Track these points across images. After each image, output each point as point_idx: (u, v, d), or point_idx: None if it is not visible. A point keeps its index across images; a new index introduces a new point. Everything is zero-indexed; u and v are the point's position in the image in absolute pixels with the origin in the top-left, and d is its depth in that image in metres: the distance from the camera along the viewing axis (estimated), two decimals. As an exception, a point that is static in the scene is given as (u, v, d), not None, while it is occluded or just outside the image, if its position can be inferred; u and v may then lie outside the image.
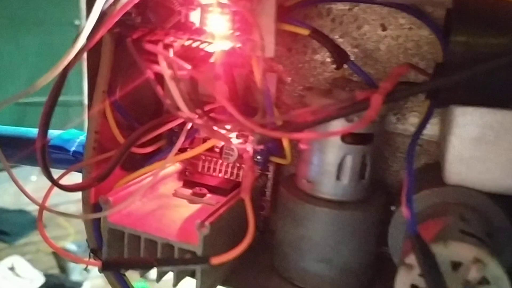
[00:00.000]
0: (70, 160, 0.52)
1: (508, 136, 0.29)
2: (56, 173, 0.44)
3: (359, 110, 0.28)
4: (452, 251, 0.26)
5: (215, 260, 0.27)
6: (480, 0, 0.27)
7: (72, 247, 2.29)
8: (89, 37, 0.25)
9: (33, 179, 2.58)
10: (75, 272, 2.19)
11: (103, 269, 0.29)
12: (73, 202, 2.62)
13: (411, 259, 0.26)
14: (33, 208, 2.59)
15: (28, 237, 2.45)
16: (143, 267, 0.29)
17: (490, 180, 0.30)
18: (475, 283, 0.25)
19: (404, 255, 0.27)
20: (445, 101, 0.31)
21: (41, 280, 2.13)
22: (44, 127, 0.26)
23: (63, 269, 2.25)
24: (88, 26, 0.24)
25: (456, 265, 0.26)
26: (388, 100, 0.28)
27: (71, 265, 2.19)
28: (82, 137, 0.52)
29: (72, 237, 2.45)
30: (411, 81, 0.35)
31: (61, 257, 2.27)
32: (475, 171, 0.30)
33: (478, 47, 0.28)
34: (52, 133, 0.54)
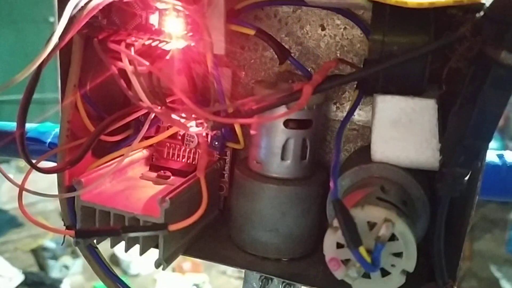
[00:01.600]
0: (46, 151, 0.56)
1: (419, 120, 0.35)
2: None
3: (294, 99, 0.33)
4: (367, 213, 0.31)
5: (172, 227, 0.32)
6: (393, 5, 0.32)
7: (50, 244, 2.29)
8: (61, 37, 0.29)
9: (9, 177, 2.57)
10: (55, 270, 2.20)
11: (76, 236, 0.33)
12: (50, 200, 2.62)
13: (336, 222, 0.31)
14: (10, 207, 2.58)
15: (5, 236, 2.45)
16: (111, 234, 0.34)
17: (406, 157, 0.36)
18: (386, 240, 0.31)
19: (331, 219, 0.33)
20: (369, 90, 0.36)
21: (20, 278, 2.13)
22: (22, 117, 0.30)
23: (42, 266, 2.26)
24: (59, 27, 0.29)
25: (371, 225, 0.31)
26: (317, 90, 0.33)
27: (50, 262, 2.20)
28: (57, 130, 0.56)
29: (51, 235, 2.45)
30: (342, 73, 0.41)
31: (40, 255, 2.28)
32: (394, 149, 0.36)
33: (392, 44, 0.33)
34: (29, 126, 0.58)
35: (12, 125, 0.59)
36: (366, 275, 0.32)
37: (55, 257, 2.25)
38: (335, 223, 0.31)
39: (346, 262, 0.32)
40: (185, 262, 2.26)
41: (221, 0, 0.36)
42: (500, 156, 0.44)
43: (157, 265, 0.36)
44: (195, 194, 0.38)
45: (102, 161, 0.40)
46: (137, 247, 0.37)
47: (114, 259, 2.29)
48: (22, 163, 2.55)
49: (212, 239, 0.42)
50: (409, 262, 0.31)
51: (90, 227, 0.36)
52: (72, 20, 0.30)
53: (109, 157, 0.41)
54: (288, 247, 0.40)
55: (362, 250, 0.29)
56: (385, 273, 0.32)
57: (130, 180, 0.41)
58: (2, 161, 2.51)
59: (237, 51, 0.44)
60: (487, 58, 0.26)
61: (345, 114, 0.43)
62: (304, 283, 0.38)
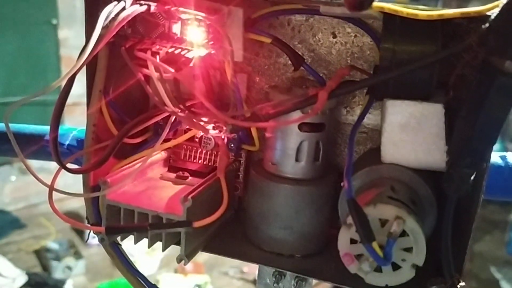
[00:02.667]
0: (65, 153, 0.58)
1: (427, 123, 0.37)
2: (52, 165, 0.50)
3: (310, 104, 0.35)
4: (380, 211, 0.33)
5: (197, 224, 0.34)
6: (403, 17, 0.35)
7: (53, 245, 2.31)
8: (95, 46, 0.31)
9: (12, 179, 2.59)
10: (58, 271, 2.22)
11: (106, 233, 0.35)
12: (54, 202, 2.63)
13: (350, 219, 0.33)
14: (12, 209, 2.60)
15: (8, 237, 2.46)
16: (139, 230, 0.36)
17: (415, 158, 0.38)
18: (397, 235, 0.33)
19: (345, 217, 0.35)
20: (380, 95, 0.38)
21: (24, 278, 2.15)
22: (56, 122, 0.32)
23: (45, 267, 2.27)
24: (93, 37, 0.31)
25: (383, 222, 0.33)
26: (332, 96, 0.35)
27: (53, 263, 2.22)
28: (75, 132, 0.59)
29: (54, 236, 2.47)
30: (355, 79, 0.43)
31: (43, 256, 2.29)
32: (403, 151, 0.38)
33: (402, 53, 0.35)
34: (46, 128, 0.60)
35: (30, 128, 0.61)
36: (378, 269, 0.34)
37: (58, 258, 2.26)
38: (349, 220, 0.34)
39: (359, 257, 0.34)
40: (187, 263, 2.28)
41: (240, 11, 0.38)
42: (503, 158, 0.46)
43: (179, 260, 0.38)
44: (214, 193, 0.40)
45: (125, 162, 0.42)
46: (158, 244, 0.40)
47: (117, 260, 2.30)
48: (25, 164, 2.57)
49: (228, 236, 0.44)
50: (419, 257, 0.33)
51: (118, 224, 0.38)
52: (104, 29, 0.32)
53: (129, 159, 0.43)
54: (302, 244, 0.42)
55: (375, 245, 0.32)
56: (396, 267, 0.34)
57: (150, 181, 0.43)
58: (5, 162, 2.53)
59: (252, 57, 0.46)
60: (492, 67, 0.29)
61: (355, 117, 0.45)
62: (317, 278, 0.40)
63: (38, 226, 2.50)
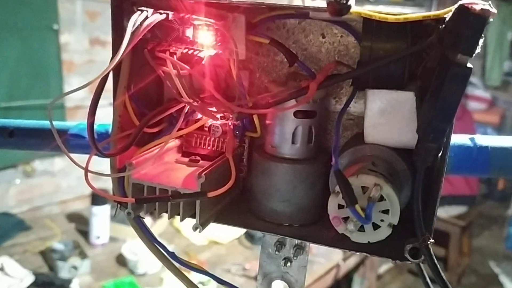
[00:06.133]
0: (86, 145, 0.65)
1: (401, 108, 0.44)
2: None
3: (302, 94, 0.42)
4: (361, 180, 0.40)
5: (211, 194, 0.41)
6: (378, 20, 0.41)
7: (59, 246, 2.36)
8: (125, 49, 0.38)
9: (17, 182, 2.64)
10: (64, 270, 2.27)
11: (137, 202, 0.42)
12: (56, 204, 2.69)
13: (337, 188, 0.40)
14: (18, 211, 2.65)
15: (14, 239, 2.51)
16: (162, 200, 0.43)
17: (392, 138, 0.45)
18: (376, 199, 0.40)
19: (334, 187, 0.42)
20: (362, 86, 0.45)
21: (31, 278, 2.20)
22: (94, 107, 0.39)
23: (51, 267, 2.33)
24: (124, 42, 0.38)
25: (364, 190, 0.40)
26: (320, 87, 0.42)
27: (59, 263, 2.27)
28: (95, 127, 0.65)
29: (59, 237, 2.52)
30: (340, 73, 0.50)
31: (48, 257, 2.35)
32: (382, 133, 0.45)
33: (378, 49, 0.42)
34: (69, 124, 0.67)
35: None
36: (361, 229, 0.41)
37: (63, 258, 2.31)
38: (337, 188, 0.41)
39: (345, 220, 0.41)
40: (191, 261, 2.34)
41: (242, 17, 0.45)
42: (472, 139, 0.53)
43: (195, 228, 0.45)
44: (223, 172, 0.47)
45: (143, 149, 0.49)
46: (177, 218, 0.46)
47: (122, 259, 2.36)
48: (29, 168, 2.62)
49: (235, 211, 0.51)
50: (394, 217, 0.40)
51: (145, 196, 0.45)
52: (132, 35, 0.39)
53: (149, 145, 0.50)
54: (298, 215, 0.49)
55: (357, 207, 0.39)
56: (376, 227, 0.41)
57: (167, 164, 0.50)
58: (9, 166, 2.59)
59: (252, 56, 0.53)
60: (447, 60, 0.36)
61: (342, 106, 0.52)
62: (313, 242, 0.47)
63: (43, 228, 2.55)
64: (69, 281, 2.24)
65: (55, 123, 0.70)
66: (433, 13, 0.37)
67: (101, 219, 2.40)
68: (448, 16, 0.36)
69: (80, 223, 2.60)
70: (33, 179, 2.73)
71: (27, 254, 2.42)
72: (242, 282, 2.31)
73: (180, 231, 2.29)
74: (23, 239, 2.52)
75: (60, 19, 2.66)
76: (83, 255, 2.34)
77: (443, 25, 0.37)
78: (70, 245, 2.40)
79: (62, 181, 2.81)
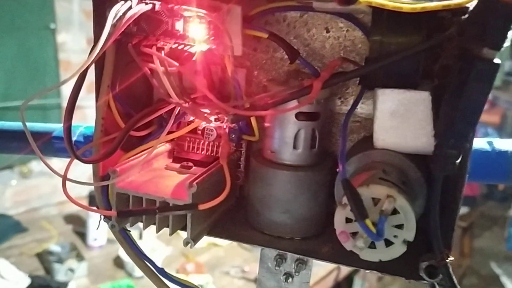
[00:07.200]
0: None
1: (415, 110, 0.39)
2: (61, 161, 0.52)
3: (305, 93, 0.38)
4: (372, 191, 0.36)
5: (202, 206, 0.36)
6: (390, 10, 0.37)
7: (56, 248, 2.33)
8: (105, 43, 0.33)
9: (13, 183, 2.61)
10: (60, 273, 2.23)
11: (118, 216, 0.38)
12: (53, 205, 2.65)
13: (345, 199, 0.36)
14: (14, 213, 2.61)
15: (10, 241, 2.48)
16: (149, 213, 0.38)
17: (405, 143, 0.40)
18: (389, 213, 0.35)
19: (340, 198, 0.37)
20: (371, 85, 0.41)
21: (27, 281, 2.16)
22: (70, 112, 0.35)
23: (48, 270, 2.29)
24: (103, 35, 0.33)
25: (375, 202, 0.36)
26: (325, 86, 0.38)
27: (56, 266, 2.23)
28: (82, 129, 0.61)
29: (55, 239, 2.48)
30: (347, 71, 0.45)
31: (45, 259, 2.31)
32: (393, 137, 0.40)
33: (389, 44, 0.38)
34: (55, 126, 0.63)
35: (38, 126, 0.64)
36: (372, 246, 0.36)
37: (60, 261, 2.28)
38: (344, 200, 0.36)
39: (353, 235, 0.37)
40: (189, 263, 2.30)
41: (238, 8, 0.40)
42: (490, 143, 0.48)
43: (185, 243, 0.40)
44: (217, 180, 0.42)
45: (132, 153, 0.45)
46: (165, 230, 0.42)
47: (119, 261, 2.33)
48: (25, 169, 2.58)
49: (231, 222, 0.47)
50: (409, 233, 0.36)
51: (129, 208, 0.40)
52: (113, 27, 0.34)
53: (136, 151, 0.46)
54: (301, 227, 0.44)
55: (368, 222, 0.34)
56: (388, 243, 0.36)
57: (156, 171, 0.46)
58: (5, 167, 2.55)
59: (250, 53, 0.49)
60: (471, 54, 0.31)
61: (348, 107, 0.48)
62: (316, 258, 0.42)
63: (40, 230, 2.52)
64: (65, 284, 2.21)
65: (39, 125, 0.66)
66: (454, 1, 0.33)
67: (98, 220, 2.36)
68: (471, 6, 0.32)
69: (77, 225, 2.56)
70: (29, 180, 2.69)
71: (23, 257, 2.38)
72: (241, 285, 2.27)
73: (178, 232, 2.25)
74: (19, 241, 2.48)
75: (57, 18, 2.63)
76: (80, 258, 2.31)
77: (466, 16, 0.32)
78: (67, 247, 2.36)
79: (59, 182, 2.75)
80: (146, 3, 0.37)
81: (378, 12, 0.38)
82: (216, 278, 2.25)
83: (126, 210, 0.39)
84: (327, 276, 2.08)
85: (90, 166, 0.43)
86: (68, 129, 0.36)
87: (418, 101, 0.39)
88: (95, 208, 0.42)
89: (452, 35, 0.34)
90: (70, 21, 2.68)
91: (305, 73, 0.46)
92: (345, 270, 2.21)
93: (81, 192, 2.46)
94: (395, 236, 0.36)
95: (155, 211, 0.37)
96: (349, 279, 2.44)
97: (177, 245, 2.27)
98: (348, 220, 0.36)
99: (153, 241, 2.23)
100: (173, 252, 2.33)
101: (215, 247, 2.32)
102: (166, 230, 0.41)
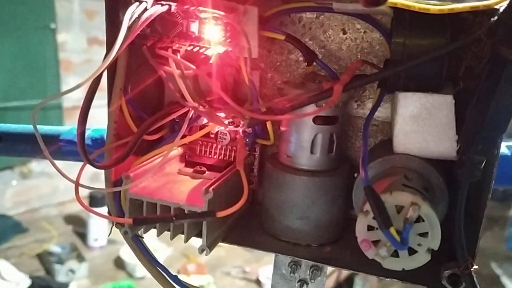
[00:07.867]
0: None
1: (438, 114, 0.38)
2: (69, 164, 0.51)
3: (325, 97, 0.36)
4: (395, 198, 0.35)
5: (220, 214, 0.35)
6: (413, 11, 0.36)
7: (56, 249, 2.32)
8: (121, 46, 0.32)
9: (13, 183, 2.59)
10: (61, 274, 2.22)
11: (134, 223, 0.37)
12: (53, 205, 2.63)
13: (367, 206, 0.35)
14: (14, 213, 2.60)
15: (10, 241, 2.46)
16: (164, 221, 0.37)
17: (426, 148, 0.39)
18: (413, 221, 0.34)
19: (362, 205, 0.36)
20: (391, 88, 0.40)
21: (27, 282, 2.15)
22: (84, 116, 0.33)
23: (48, 271, 2.28)
24: (119, 37, 0.32)
25: (399, 209, 0.35)
26: (346, 89, 0.37)
27: (56, 266, 2.22)
28: (90, 132, 0.60)
29: (56, 239, 2.47)
30: (367, 74, 0.44)
31: (45, 260, 2.30)
32: (414, 141, 0.39)
33: (412, 46, 0.37)
34: (61, 129, 0.61)
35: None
36: (395, 254, 0.35)
37: (60, 262, 2.27)
38: (366, 207, 0.35)
39: (376, 243, 0.36)
40: (190, 264, 2.30)
41: (255, 9, 0.39)
42: (509, 148, 0.47)
43: (201, 251, 0.39)
44: (232, 186, 0.41)
45: (145, 158, 0.44)
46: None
47: (120, 262, 2.32)
48: (26, 169, 2.57)
49: (245, 228, 0.46)
50: (434, 241, 0.35)
51: (145, 215, 0.39)
52: (129, 30, 0.33)
53: (148, 155, 0.45)
54: (318, 234, 0.43)
55: (393, 230, 0.33)
56: (412, 252, 0.35)
57: (169, 175, 0.45)
58: (5, 167, 2.54)
59: (264, 54, 0.47)
60: (501, 57, 0.30)
61: (365, 111, 0.47)
62: (334, 265, 0.41)
63: (40, 230, 2.51)
64: (66, 285, 2.20)
65: (47, 128, 0.65)
66: (483, 3, 0.32)
67: (99, 221, 2.35)
68: (501, 7, 0.31)
69: (78, 225, 2.55)
70: (30, 181, 2.68)
71: (24, 257, 2.37)
72: (242, 285, 2.26)
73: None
74: (20, 241, 2.47)
75: (58, 18, 2.61)
76: (80, 258, 2.30)
77: (496, 17, 0.31)
78: (67, 248, 2.35)
79: (59, 182, 2.75)
80: (162, 5, 0.36)
81: (400, 13, 0.37)
82: (217, 279, 2.25)
83: (142, 217, 0.38)
84: (328, 277, 2.08)
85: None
86: (82, 134, 0.35)
87: (442, 105, 0.38)
88: (110, 215, 0.41)
89: (479, 37, 0.33)
90: (70, 21, 2.66)
91: (322, 75, 0.45)
92: (346, 271, 2.20)
93: (81, 192, 2.44)
94: (419, 245, 0.35)
95: (172, 219, 0.36)
96: (350, 280, 2.44)
97: (178, 245, 2.26)
98: (370, 228, 0.35)
99: (154, 241, 2.22)
100: (174, 253, 2.32)
101: (216, 248, 2.30)
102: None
